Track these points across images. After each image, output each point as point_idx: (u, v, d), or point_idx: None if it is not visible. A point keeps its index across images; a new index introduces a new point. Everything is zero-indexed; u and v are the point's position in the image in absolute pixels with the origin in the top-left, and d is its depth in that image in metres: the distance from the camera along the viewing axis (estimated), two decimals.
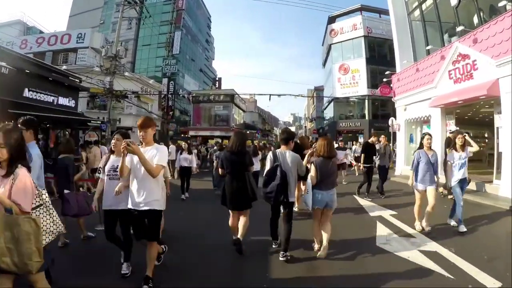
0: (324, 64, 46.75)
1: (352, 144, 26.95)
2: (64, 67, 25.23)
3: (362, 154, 9.40)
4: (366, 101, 34.24)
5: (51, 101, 13.00)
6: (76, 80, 14.92)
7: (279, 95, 21.64)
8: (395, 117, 19.61)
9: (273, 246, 4.73)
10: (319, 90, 54.91)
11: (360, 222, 6.54)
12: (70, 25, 43.70)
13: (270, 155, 4.53)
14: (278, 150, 4.59)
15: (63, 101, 13.62)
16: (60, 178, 5.14)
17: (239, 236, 4.46)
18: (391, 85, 16.65)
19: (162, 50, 40.32)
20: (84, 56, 27.93)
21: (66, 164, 5.06)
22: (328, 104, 42.68)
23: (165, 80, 36.03)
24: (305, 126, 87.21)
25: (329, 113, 44.27)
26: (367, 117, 34.27)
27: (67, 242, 4.82)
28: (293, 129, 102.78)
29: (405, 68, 15.01)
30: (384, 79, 17.92)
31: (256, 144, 16.36)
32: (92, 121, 13.78)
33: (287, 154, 4.45)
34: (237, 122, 34.85)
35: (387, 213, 7.06)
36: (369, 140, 10.09)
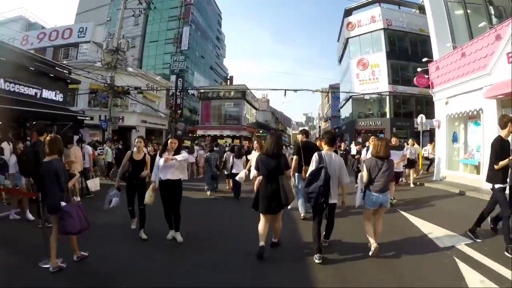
0: (340, 61, 44.44)
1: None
2: (65, 62, 23.84)
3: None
4: (387, 98, 31.88)
5: (33, 94, 11.19)
6: (65, 71, 13.05)
7: (295, 90, 19.61)
8: (424, 114, 17.45)
9: (316, 260, 4.22)
10: (334, 88, 52.54)
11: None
12: (77, 23, 42.49)
13: (315, 156, 4.46)
14: (323, 152, 4.54)
15: (48, 94, 11.79)
16: (48, 186, 4.01)
17: (274, 239, 4.89)
18: (428, 76, 14.32)
19: (170, 47, 38.63)
20: (86, 51, 26.33)
21: (55, 168, 3.97)
22: (346, 102, 40.37)
23: (173, 78, 34.24)
24: (319, 126, 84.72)
25: (345, 112, 41.99)
26: (388, 115, 31.94)
27: (62, 267, 3.96)
28: (306, 129, 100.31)
29: (446, 53, 12.73)
30: (418, 69, 15.61)
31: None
32: (79, 117, 11.87)
33: (333, 156, 4.53)
34: (249, 121, 32.69)
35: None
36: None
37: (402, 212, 7.20)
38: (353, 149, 15.75)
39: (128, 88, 20.64)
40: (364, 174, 4.55)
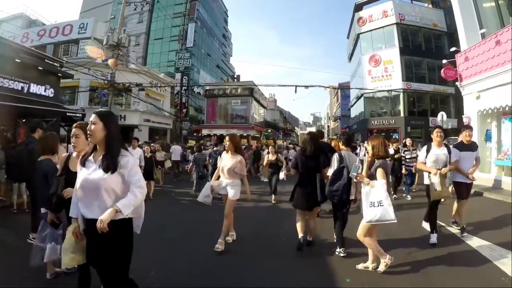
0: (350, 58, 43.06)
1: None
2: (64, 59, 23.02)
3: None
4: (401, 95, 30.49)
5: (20, 88, 10.20)
6: (56, 64, 12.05)
7: (306, 87, 18.34)
8: (444, 111, 16.19)
9: (337, 252, 4.45)
10: (344, 87, 51.11)
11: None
12: None
13: (336, 156, 4.64)
14: (343, 152, 4.73)
15: (36, 89, 10.81)
16: (38, 189, 3.71)
17: (309, 237, 4.95)
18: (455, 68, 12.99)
19: (175, 44, 37.62)
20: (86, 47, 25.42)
21: (44, 170, 3.48)
22: (357, 101, 38.95)
23: (178, 75, 33.21)
24: (328, 126, 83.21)
25: (356, 110, 40.60)
26: (402, 114, 30.51)
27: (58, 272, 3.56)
28: (313, 129, 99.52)
29: (477, 42, 11.42)
30: (444, 61, 14.29)
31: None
32: (68, 113, 10.83)
33: (351, 155, 4.78)
34: (257, 120, 31.34)
35: None
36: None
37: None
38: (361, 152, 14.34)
39: (129, 85, 19.66)
40: (383, 178, 3.74)
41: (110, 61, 18.32)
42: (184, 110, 31.80)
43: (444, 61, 14.13)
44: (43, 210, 3.35)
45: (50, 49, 26.82)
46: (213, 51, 48.18)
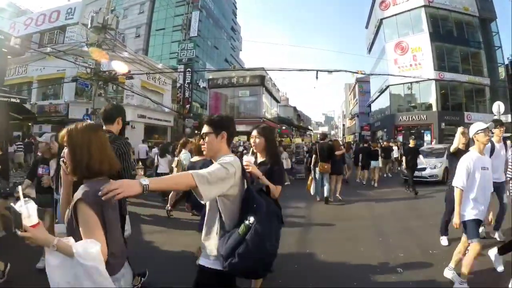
0: (369, 49, 39.15)
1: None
2: (49, 49, 20.15)
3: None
4: (433, 87, 26.65)
5: None
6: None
7: (330, 72, 14.89)
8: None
9: None
10: (362, 82, 47.36)
11: None
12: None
13: None
14: None
15: None
16: None
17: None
18: None
19: (178, 35, 34.42)
20: (73, 34, 22.39)
21: None
22: (380, 95, 35.07)
23: (181, 68, 29.95)
24: (343, 125, 79.19)
25: (379, 106, 36.80)
26: (434, 108, 26.68)
27: None
28: (325, 129, 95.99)
29: None
30: None
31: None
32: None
33: None
34: (271, 115, 27.44)
35: None
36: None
37: None
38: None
39: (115, 74, 16.51)
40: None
41: (91, 49, 15.95)
42: (188, 106, 28.52)
43: None
44: None
45: (36, 39, 23.92)
46: (221, 44, 44.80)
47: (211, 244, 1.97)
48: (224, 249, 1.82)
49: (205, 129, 2.06)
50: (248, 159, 2.84)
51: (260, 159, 2.99)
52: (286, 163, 12.10)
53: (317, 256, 4.54)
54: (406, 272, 3.90)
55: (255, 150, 3.04)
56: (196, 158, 4.61)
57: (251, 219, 1.81)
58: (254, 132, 2.99)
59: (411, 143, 10.54)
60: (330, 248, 4.84)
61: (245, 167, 2.23)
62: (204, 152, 2.13)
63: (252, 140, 3.02)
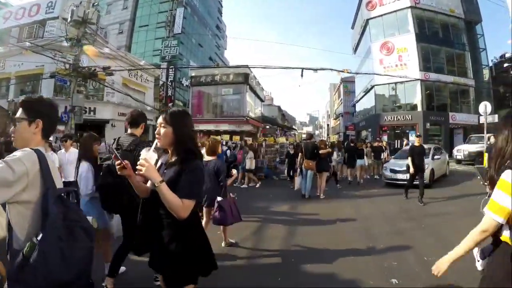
0: (355, 49, 39.24)
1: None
2: (27, 44, 19.27)
3: None
4: (419, 87, 26.76)
5: None
6: None
7: (315, 70, 14.63)
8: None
9: None
10: (347, 81, 47.49)
11: None
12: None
13: None
14: None
15: None
16: None
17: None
18: None
19: (162, 32, 33.65)
20: (53, 29, 21.47)
21: None
22: (365, 94, 35.13)
23: (164, 66, 29.21)
24: (328, 125, 79.44)
25: (363, 106, 36.89)
26: (419, 108, 26.79)
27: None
28: (310, 129, 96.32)
29: None
30: None
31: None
32: None
33: None
34: (255, 114, 26.98)
35: None
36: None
37: None
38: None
39: (95, 69, 15.83)
40: None
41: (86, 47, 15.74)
42: (170, 104, 27.82)
43: None
44: None
45: (16, 33, 22.94)
46: (205, 42, 44.14)
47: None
48: (9, 274, 1.49)
49: (18, 113, 1.69)
50: (148, 155, 2.00)
51: (174, 158, 2.08)
52: (250, 164, 11.86)
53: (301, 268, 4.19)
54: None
55: (159, 144, 2.10)
56: (207, 158, 4.61)
57: (40, 235, 1.46)
58: (160, 119, 2.07)
59: (416, 142, 8.67)
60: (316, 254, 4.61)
61: (138, 166, 1.83)
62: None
63: (156, 131, 2.11)
